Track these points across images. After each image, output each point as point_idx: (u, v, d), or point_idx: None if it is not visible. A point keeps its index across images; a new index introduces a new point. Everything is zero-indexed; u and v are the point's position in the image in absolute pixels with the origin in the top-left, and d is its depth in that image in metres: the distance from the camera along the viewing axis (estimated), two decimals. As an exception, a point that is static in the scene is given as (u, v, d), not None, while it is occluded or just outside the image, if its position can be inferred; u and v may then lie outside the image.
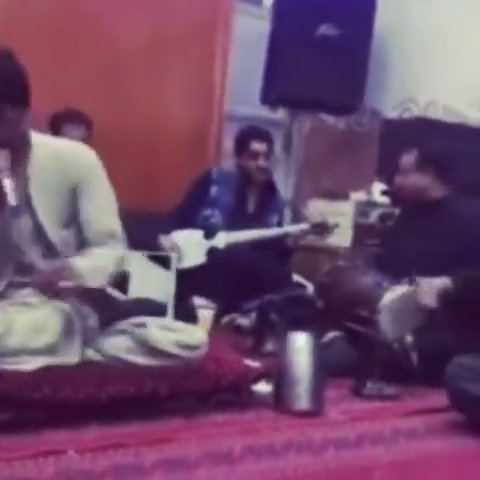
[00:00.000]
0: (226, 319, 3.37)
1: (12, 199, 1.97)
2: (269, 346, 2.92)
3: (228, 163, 4.51)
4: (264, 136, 3.73)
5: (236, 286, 3.36)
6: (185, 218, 3.69)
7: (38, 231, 2.11)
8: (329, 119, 4.90)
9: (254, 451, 1.81)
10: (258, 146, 3.69)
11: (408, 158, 2.96)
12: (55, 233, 2.14)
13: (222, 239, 3.63)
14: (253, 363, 2.41)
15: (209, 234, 3.64)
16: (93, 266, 2.08)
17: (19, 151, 2.05)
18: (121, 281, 3.28)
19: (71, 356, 2.01)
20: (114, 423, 1.89)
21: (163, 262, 3.31)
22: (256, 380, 2.24)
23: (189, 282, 3.45)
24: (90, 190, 2.16)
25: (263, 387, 2.26)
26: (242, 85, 4.60)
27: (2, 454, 1.63)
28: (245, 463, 1.73)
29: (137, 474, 1.61)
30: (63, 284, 1.98)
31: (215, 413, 2.04)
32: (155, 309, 2.66)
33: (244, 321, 3.32)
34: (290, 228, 3.86)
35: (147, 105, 4.36)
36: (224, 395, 2.10)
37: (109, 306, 2.16)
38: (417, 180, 2.93)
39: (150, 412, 1.97)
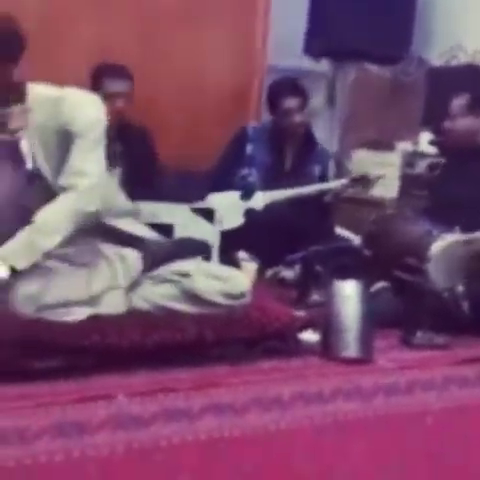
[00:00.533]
0: (270, 272, 3.36)
1: (29, 162, 1.94)
2: (314, 297, 2.90)
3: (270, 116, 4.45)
4: (296, 90, 3.60)
5: (278, 242, 3.34)
6: (222, 179, 3.63)
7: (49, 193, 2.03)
8: (374, 69, 4.78)
9: (303, 397, 1.80)
10: (291, 102, 3.56)
11: (458, 102, 2.89)
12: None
13: (259, 200, 3.58)
14: (299, 312, 2.40)
15: (246, 195, 3.59)
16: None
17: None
18: (167, 234, 3.30)
19: (117, 306, 2.02)
20: (161, 369, 1.90)
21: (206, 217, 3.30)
22: (302, 329, 2.22)
23: (232, 238, 3.44)
24: (80, 142, 1.99)
25: (309, 336, 2.24)
26: (284, 36, 4.51)
27: (54, 398, 1.65)
28: (294, 409, 1.72)
29: (186, 418, 1.61)
30: None
31: (262, 360, 2.03)
32: (198, 249, 2.64)
33: (288, 274, 3.30)
34: (329, 184, 3.78)
35: (186, 58, 4.30)
36: (270, 343, 2.08)
37: (149, 251, 2.16)
38: (468, 124, 2.85)
39: (196, 359, 1.97)
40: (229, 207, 3.58)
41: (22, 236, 1.91)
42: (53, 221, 1.96)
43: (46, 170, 2.01)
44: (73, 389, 1.72)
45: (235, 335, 2.03)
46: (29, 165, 1.94)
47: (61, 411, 1.59)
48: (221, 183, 3.61)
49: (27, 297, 1.87)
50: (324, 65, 4.77)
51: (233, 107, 4.46)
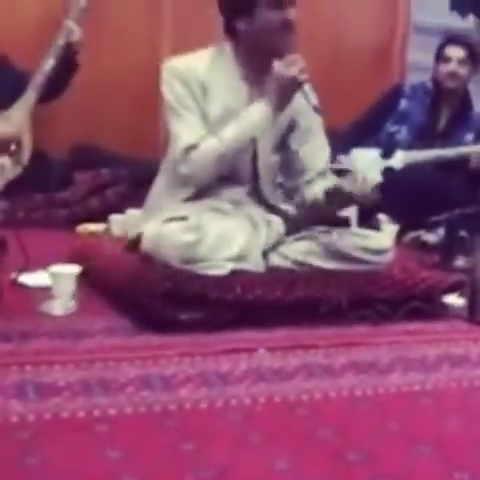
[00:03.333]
0: (411, 236, 3.26)
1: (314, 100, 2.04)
2: (459, 262, 2.79)
3: (414, 77, 4.29)
4: (462, 41, 3.47)
5: (420, 205, 3.23)
6: (369, 132, 3.55)
7: (254, 151, 2.12)
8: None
9: (449, 360, 1.74)
10: (453, 50, 3.45)
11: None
12: (264, 156, 2.15)
13: (400, 159, 3.46)
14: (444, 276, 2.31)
15: (387, 153, 3.48)
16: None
17: None
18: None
19: (258, 264, 2.03)
20: (301, 326, 1.89)
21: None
22: (448, 292, 2.14)
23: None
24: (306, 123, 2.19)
25: (454, 300, 2.16)
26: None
27: (196, 349, 1.67)
28: (440, 371, 1.66)
29: (327, 374, 1.60)
30: None
31: (406, 322, 1.98)
32: (338, 222, 2.60)
33: (430, 237, 3.20)
34: (473, 148, 3.59)
35: (330, 14, 4.22)
36: (415, 305, 2.02)
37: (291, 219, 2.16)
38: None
39: (338, 318, 1.94)
40: (368, 164, 3.49)
41: None
42: None
43: None
44: (215, 341, 1.74)
45: (378, 295, 1.99)
46: None
47: (203, 362, 1.61)
48: (367, 136, 3.52)
49: (177, 248, 1.91)
50: (471, 22, 4.54)
51: (374, 65, 4.35)
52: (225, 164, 2.06)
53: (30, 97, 3.26)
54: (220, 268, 1.94)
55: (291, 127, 2.19)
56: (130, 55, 3.89)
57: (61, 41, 3.24)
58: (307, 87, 2.05)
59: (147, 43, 3.93)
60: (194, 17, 3.82)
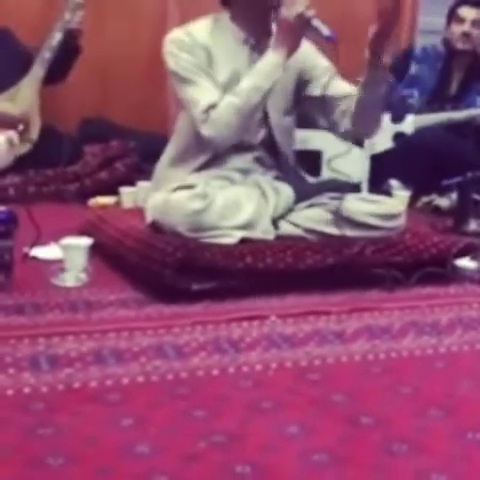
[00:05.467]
0: (423, 200, 3.24)
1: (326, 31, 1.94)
2: (472, 225, 2.77)
3: (424, 40, 4.22)
4: (476, 2, 3.42)
5: (431, 168, 3.21)
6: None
7: (264, 115, 2.12)
8: None
9: (462, 323, 1.73)
10: (466, 11, 3.40)
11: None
12: (277, 119, 2.13)
13: (410, 123, 3.43)
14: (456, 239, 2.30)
15: (397, 117, 3.45)
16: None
17: None
18: (314, 160, 3.24)
19: (267, 232, 2.02)
20: (312, 293, 1.89)
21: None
22: (460, 255, 2.12)
23: (382, 165, 3.34)
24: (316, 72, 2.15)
25: (467, 263, 2.15)
26: None
27: (208, 318, 1.68)
28: (453, 335, 1.65)
29: (340, 340, 1.59)
30: None
31: (418, 287, 1.97)
32: (348, 188, 2.59)
33: (443, 201, 3.18)
34: None
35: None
36: (427, 269, 2.01)
37: (302, 186, 2.14)
38: None
39: (349, 284, 1.94)
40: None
41: None
42: None
43: None
44: (227, 310, 1.74)
45: (390, 260, 1.98)
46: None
47: (215, 330, 1.62)
48: None
49: (185, 216, 1.90)
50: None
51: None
52: (246, 119, 2.02)
53: (38, 73, 3.24)
54: (229, 237, 1.94)
55: (304, 81, 2.16)
56: (137, 29, 3.86)
57: (68, 16, 3.20)
58: (316, 21, 1.96)
59: (155, 16, 3.89)
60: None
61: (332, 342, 1.58)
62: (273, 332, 1.62)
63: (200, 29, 2.09)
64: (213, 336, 1.58)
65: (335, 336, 1.61)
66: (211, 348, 1.51)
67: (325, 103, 2.12)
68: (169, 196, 1.98)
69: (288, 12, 1.95)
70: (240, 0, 2.07)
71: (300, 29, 1.97)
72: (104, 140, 3.40)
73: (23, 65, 3.27)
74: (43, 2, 3.63)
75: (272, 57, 2.00)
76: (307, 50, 2.14)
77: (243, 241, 1.95)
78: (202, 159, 2.10)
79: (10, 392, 1.28)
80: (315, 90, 2.14)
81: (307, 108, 2.21)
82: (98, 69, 3.73)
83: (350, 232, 2.03)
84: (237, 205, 1.99)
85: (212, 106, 2.00)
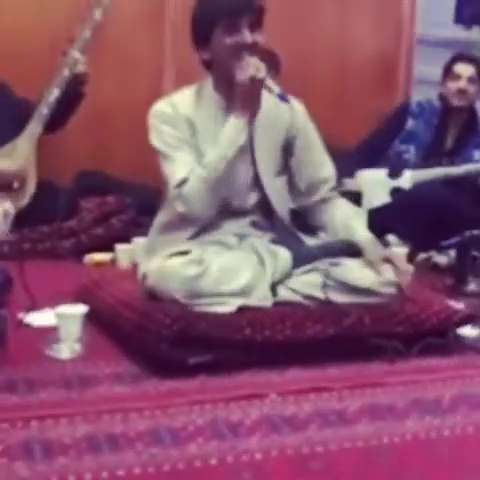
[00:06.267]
0: (421, 257, 3.22)
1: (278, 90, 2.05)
2: (472, 286, 2.75)
3: (419, 89, 4.26)
4: (471, 59, 3.45)
5: (429, 224, 3.19)
6: (376, 151, 3.52)
7: (255, 178, 2.12)
8: None
9: (465, 400, 1.69)
10: (462, 68, 3.42)
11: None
12: (269, 181, 2.12)
13: (407, 178, 3.43)
14: (456, 304, 2.27)
15: (394, 173, 3.45)
16: None
17: None
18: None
19: (265, 299, 1.98)
20: (313, 366, 1.85)
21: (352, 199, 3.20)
22: (461, 323, 2.09)
23: (380, 220, 3.32)
24: (304, 139, 2.20)
25: (469, 331, 2.11)
26: (433, 5, 4.29)
27: (206, 396, 1.63)
28: (456, 413, 1.61)
29: (342, 421, 1.55)
30: None
31: (420, 358, 1.93)
32: (348, 251, 2.56)
33: (441, 259, 3.16)
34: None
35: (335, 28, 4.20)
36: (429, 339, 1.97)
37: (300, 249, 2.12)
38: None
39: (350, 355, 1.90)
40: (376, 184, 3.46)
41: None
42: None
43: None
44: (225, 386, 1.70)
45: (391, 330, 1.94)
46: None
47: (213, 410, 1.57)
48: (375, 155, 3.49)
49: (181, 282, 1.88)
50: (476, 33, 4.51)
51: (381, 79, 4.33)
52: (215, 189, 2.04)
53: (35, 129, 3.23)
54: (226, 305, 1.91)
55: (290, 148, 2.19)
56: (135, 83, 3.88)
57: (66, 72, 3.20)
58: (268, 82, 2.04)
59: (151, 71, 3.92)
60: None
61: (334, 424, 1.53)
62: (273, 413, 1.57)
63: (183, 99, 2.13)
64: (211, 417, 1.53)
65: (337, 416, 1.57)
66: (209, 433, 1.46)
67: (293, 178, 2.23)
68: (164, 262, 1.96)
69: (243, 76, 2.00)
70: (216, 67, 2.11)
71: (256, 91, 2.03)
72: (101, 193, 3.39)
73: (20, 120, 3.26)
74: (41, 55, 3.63)
75: (233, 123, 2.04)
76: (295, 111, 2.19)
77: (241, 309, 1.91)
78: (196, 228, 2.08)
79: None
80: (292, 162, 2.21)
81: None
82: (95, 122, 3.73)
83: (351, 299, 2.00)
84: (234, 270, 1.96)
85: (184, 181, 2.02)
